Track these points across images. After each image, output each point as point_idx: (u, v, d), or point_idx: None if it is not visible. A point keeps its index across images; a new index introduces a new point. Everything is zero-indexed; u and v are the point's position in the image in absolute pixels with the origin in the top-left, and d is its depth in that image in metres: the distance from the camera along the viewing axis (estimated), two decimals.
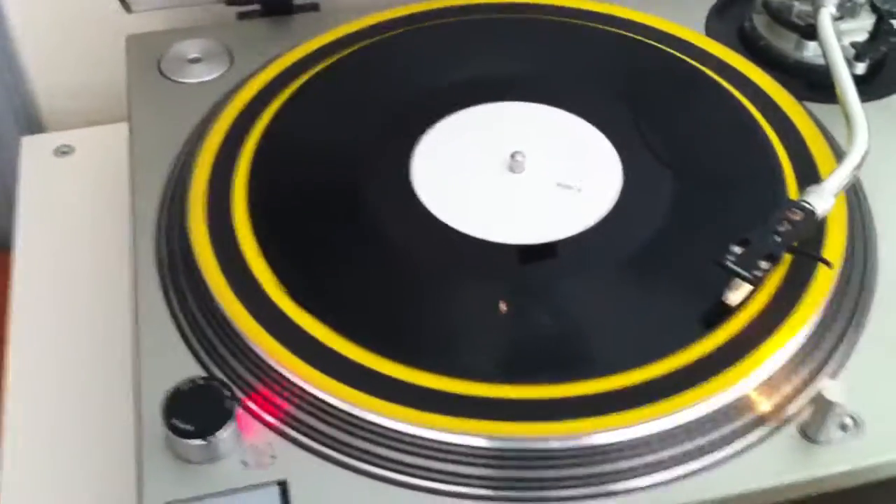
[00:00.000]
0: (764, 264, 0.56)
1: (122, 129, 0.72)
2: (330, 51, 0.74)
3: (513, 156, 0.65)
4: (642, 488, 0.52)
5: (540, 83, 0.71)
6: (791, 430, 0.54)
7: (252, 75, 0.73)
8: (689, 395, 0.54)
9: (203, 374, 0.56)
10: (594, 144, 0.68)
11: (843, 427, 0.54)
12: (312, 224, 0.63)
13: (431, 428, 0.53)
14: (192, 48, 0.77)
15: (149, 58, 0.76)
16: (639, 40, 0.74)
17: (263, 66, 0.73)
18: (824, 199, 0.59)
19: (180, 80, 0.74)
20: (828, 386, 0.52)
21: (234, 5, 0.80)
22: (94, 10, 0.85)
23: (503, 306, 0.59)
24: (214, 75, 0.75)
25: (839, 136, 0.67)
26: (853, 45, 0.72)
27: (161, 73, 0.75)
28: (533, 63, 0.73)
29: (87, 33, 0.87)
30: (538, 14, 0.77)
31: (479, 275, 0.61)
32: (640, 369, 0.55)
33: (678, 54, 0.74)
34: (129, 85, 0.75)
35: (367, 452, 0.53)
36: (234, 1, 0.79)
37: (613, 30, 0.75)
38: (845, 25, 0.73)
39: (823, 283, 0.58)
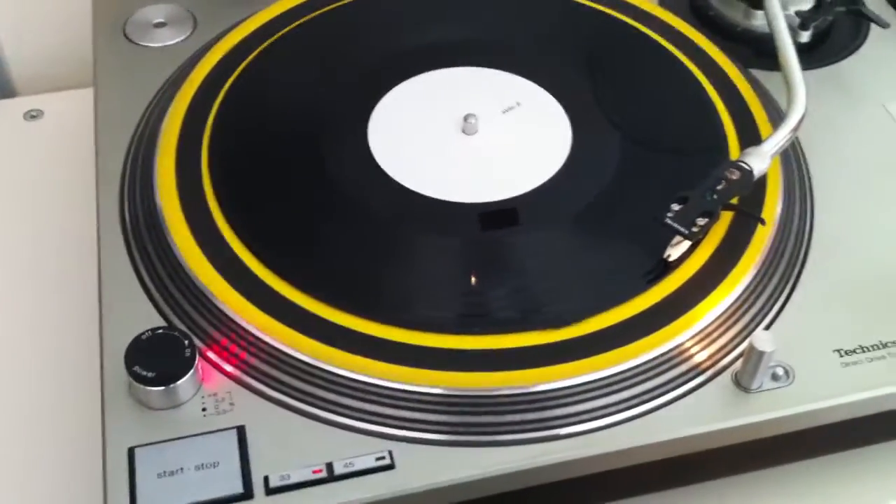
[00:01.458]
0: (701, 221, 0.59)
1: (91, 93, 0.74)
2: (292, 17, 0.75)
3: (466, 118, 0.67)
4: (587, 432, 0.55)
5: (493, 49, 0.73)
6: (726, 379, 0.57)
7: (218, 38, 0.74)
8: (632, 346, 0.57)
9: (165, 325, 0.58)
10: (546, 108, 0.70)
11: (775, 377, 0.57)
12: (275, 183, 0.65)
13: (385, 377, 0.55)
14: (156, 13, 0.78)
15: (114, 22, 0.78)
16: (591, 7, 0.77)
17: (231, 29, 0.75)
18: (761, 160, 0.62)
19: (145, 43, 0.76)
20: (759, 336, 0.54)
21: None
22: None
23: (473, 278, 0.61)
24: (178, 39, 0.76)
25: (784, 102, 0.69)
26: (798, 13, 0.74)
27: (126, 36, 0.77)
28: (486, 29, 0.75)
29: None
30: None
31: (431, 230, 0.63)
32: (586, 322, 0.58)
33: (630, 21, 0.76)
34: (94, 48, 0.76)
35: (323, 400, 0.55)
36: None
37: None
38: None
39: (760, 241, 0.61)
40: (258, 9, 0.77)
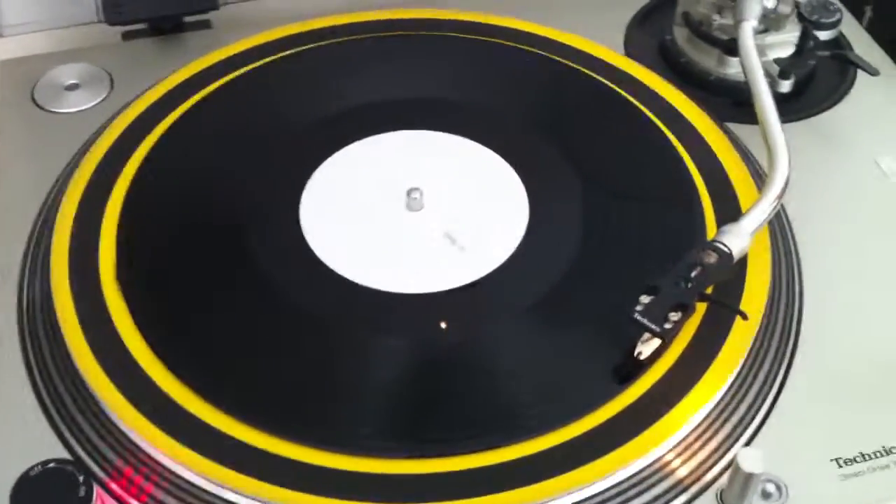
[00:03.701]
0: (674, 315, 0.51)
1: None
2: (214, 74, 0.68)
3: (409, 193, 0.60)
4: None
5: (442, 109, 0.66)
6: (709, 498, 0.50)
7: (129, 103, 0.67)
8: (600, 462, 0.50)
9: (62, 449, 0.51)
10: (500, 177, 0.62)
11: (766, 494, 0.50)
12: (190, 277, 0.57)
13: None
14: (68, 73, 0.71)
15: (22, 85, 0.70)
16: (550, 59, 0.69)
17: (141, 94, 0.67)
18: (741, 238, 0.54)
19: (54, 109, 0.69)
20: (745, 455, 0.47)
21: (117, 25, 0.73)
22: None
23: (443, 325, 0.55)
24: (92, 103, 0.69)
25: (765, 161, 0.62)
26: (777, 61, 0.67)
27: (34, 101, 0.69)
28: (436, 86, 0.68)
29: None
30: (445, 30, 0.71)
31: (370, 329, 0.55)
32: (545, 435, 0.50)
33: (593, 75, 0.68)
34: None
35: None
36: (117, 21, 0.73)
37: (525, 48, 0.70)
38: (770, 38, 0.69)
39: (742, 335, 0.53)
40: (179, 63, 0.69)
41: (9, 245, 0.60)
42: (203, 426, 0.50)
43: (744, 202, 0.60)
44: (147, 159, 0.62)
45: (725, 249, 0.53)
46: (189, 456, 0.49)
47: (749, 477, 0.47)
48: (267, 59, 0.69)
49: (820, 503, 0.50)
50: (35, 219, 0.61)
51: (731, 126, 0.67)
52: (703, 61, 0.70)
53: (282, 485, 0.49)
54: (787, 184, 0.57)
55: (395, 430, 0.51)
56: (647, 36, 0.74)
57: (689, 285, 0.52)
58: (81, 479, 0.47)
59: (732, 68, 0.69)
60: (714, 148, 0.64)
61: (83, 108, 0.69)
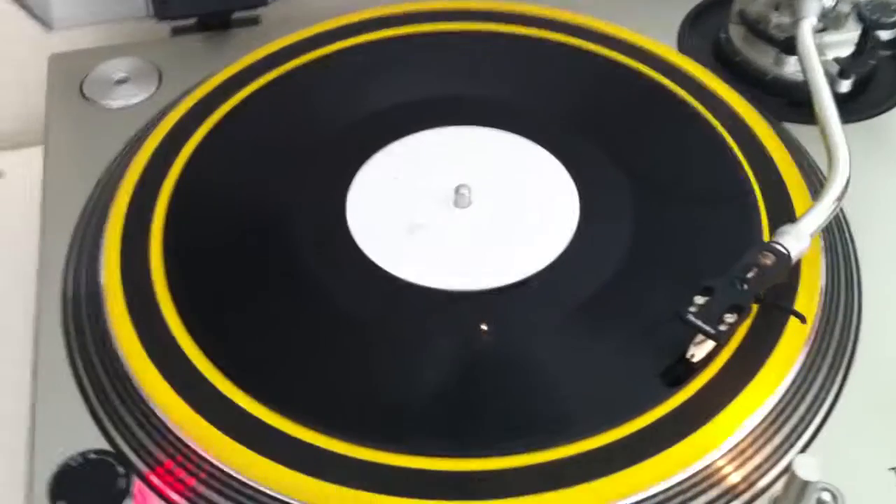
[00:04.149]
0: (729, 317, 0.50)
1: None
2: (263, 69, 0.67)
3: (457, 189, 0.59)
4: None
5: (491, 105, 0.65)
6: None
7: (179, 99, 0.66)
8: (648, 465, 0.48)
9: (103, 440, 0.50)
10: (550, 174, 0.61)
11: (821, 503, 0.48)
12: (238, 274, 0.57)
13: None
14: (118, 68, 0.70)
15: (71, 79, 0.70)
16: (603, 56, 0.68)
17: (191, 90, 0.67)
18: (799, 240, 0.53)
19: (103, 103, 0.68)
20: (801, 462, 0.45)
21: (166, 20, 0.73)
22: (21, 29, 0.78)
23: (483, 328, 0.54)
24: (141, 98, 0.68)
25: (824, 161, 0.60)
26: (837, 60, 0.66)
27: (83, 95, 0.69)
28: (485, 82, 0.66)
29: (13, 53, 0.80)
30: (496, 23, 0.70)
31: (417, 326, 0.54)
32: (594, 437, 0.49)
33: (647, 71, 0.67)
34: (47, 109, 0.69)
35: None
36: (166, 16, 0.73)
37: (576, 42, 0.69)
38: (829, 38, 0.67)
39: (797, 339, 0.52)
40: (228, 58, 0.69)
41: (54, 236, 0.60)
42: (247, 419, 0.50)
43: (797, 205, 0.58)
44: (193, 158, 0.62)
45: (783, 251, 0.52)
46: (232, 449, 0.49)
47: (805, 485, 0.45)
48: (313, 55, 0.68)
49: None
50: (81, 212, 0.61)
51: (787, 126, 0.65)
52: (758, 60, 0.69)
53: (328, 481, 0.48)
54: (847, 185, 0.55)
55: (440, 428, 0.50)
56: (701, 34, 0.72)
57: (745, 287, 0.50)
58: (122, 471, 0.47)
59: (789, 67, 0.68)
60: (768, 148, 0.62)
61: (132, 102, 0.68)
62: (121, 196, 0.60)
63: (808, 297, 0.54)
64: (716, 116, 0.64)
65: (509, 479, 0.48)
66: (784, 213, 0.57)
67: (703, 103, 0.65)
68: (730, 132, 0.63)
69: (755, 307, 0.51)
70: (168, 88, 0.69)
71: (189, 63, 0.70)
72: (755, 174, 0.60)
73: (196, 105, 0.65)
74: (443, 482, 0.48)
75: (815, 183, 0.61)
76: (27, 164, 0.78)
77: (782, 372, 0.51)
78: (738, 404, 0.50)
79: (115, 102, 0.68)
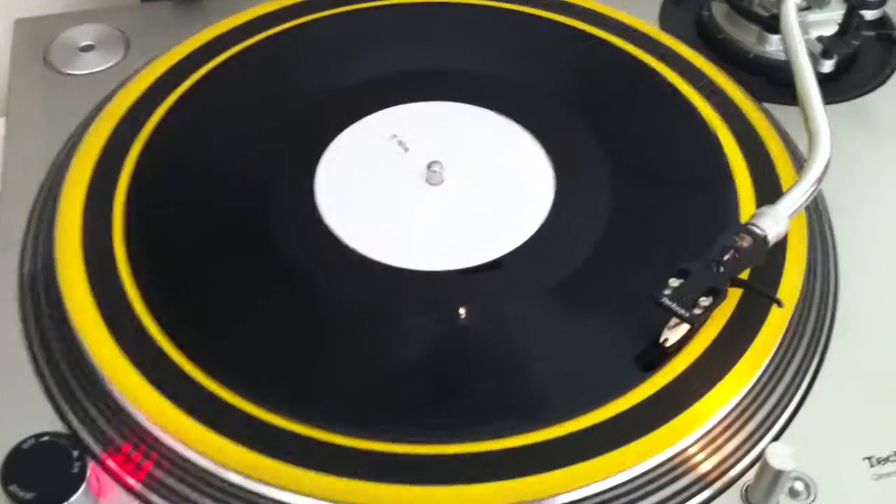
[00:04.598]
0: (705, 300, 0.49)
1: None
2: (231, 40, 0.65)
3: (429, 166, 0.57)
4: None
5: (467, 80, 0.63)
6: (734, 496, 0.47)
7: (144, 67, 0.64)
8: (622, 452, 0.47)
9: (59, 423, 0.49)
10: (525, 152, 0.60)
11: (794, 493, 0.47)
12: (202, 252, 0.55)
13: (340, 501, 0.45)
14: (83, 34, 0.68)
15: (36, 45, 0.68)
16: (582, 30, 0.66)
17: (156, 57, 0.65)
18: (777, 222, 0.51)
19: (67, 70, 0.66)
20: (775, 451, 0.44)
21: None
22: None
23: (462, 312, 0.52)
24: (107, 65, 0.67)
25: (804, 140, 0.59)
26: (820, 39, 0.64)
27: (47, 62, 0.67)
28: (461, 57, 0.65)
29: None
30: None
31: (384, 307, 0.53)
32: (566, 422, 0.48)
33: (627, 46, 0.65)
34: (11, 76, 0.67)
35: None
36: None
37: (554, 17, 0.67)
38: (812, 17, 0.66)
39: (775, 324, 0.51)
40: (199, 27, 0.67)
41: (14, 209, 0.58)
42: (209, 401, 0.48)
43: (786, 184, 0.57)
44: (160, 128, 0.60)
45: (760, 233, 0.50)
46: (192, 431, 0.47)
47: (778, 474, 0.44)
48: (283, 26, 0.67)
49: (851, 503, 0.47)
50: (42, 182, 0.59)
51: (768, 106, 0.64)
52: (741, 38, 0.67)
53: (290, 463, 0.46)
54: (827, 166, 0.54)
55: (409, 411, 0.49)
56: (683, 12, 0.71)
57: (722, 269, 0.49)
58: (76, 454, 0.46)
59: (772, 46, 0.66)
60: (756, 127, 0.60)
61: (97, 69, 0.66)
62: (79, 168, 0.58)
63: (793, 282, 0.52)
64: (700, 93, 0.62)
65: (479, 463, 0.46)
66: (773, 192, 0.56)
67: (685, 79, 0.63)
68: (716, 109, 0.62)
69: (734, 292, 0.50)
70: (135, 57, 0.67)
71: (157, 31, 0.69)
72: (743, 152, 0.59)
73: (163, 75, 0.63)
74: (411, 466, 0.47)
75: (796, 164, 0.59)
76: None
77: (761, 358, 0.49)
78: (716, 391, 0.49)
79: (80, 70, 0.66)
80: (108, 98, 0.63)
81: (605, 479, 0.46)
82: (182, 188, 0.58)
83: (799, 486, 0.47)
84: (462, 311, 0.53)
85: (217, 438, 0.47)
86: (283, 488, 0.46)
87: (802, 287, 0.52)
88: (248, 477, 0.46)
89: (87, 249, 0.54)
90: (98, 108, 0.62)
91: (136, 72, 0.64)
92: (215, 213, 0.56)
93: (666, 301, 0.48)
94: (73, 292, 0.52)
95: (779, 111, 0.64)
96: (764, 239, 0.51)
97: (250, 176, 0.58)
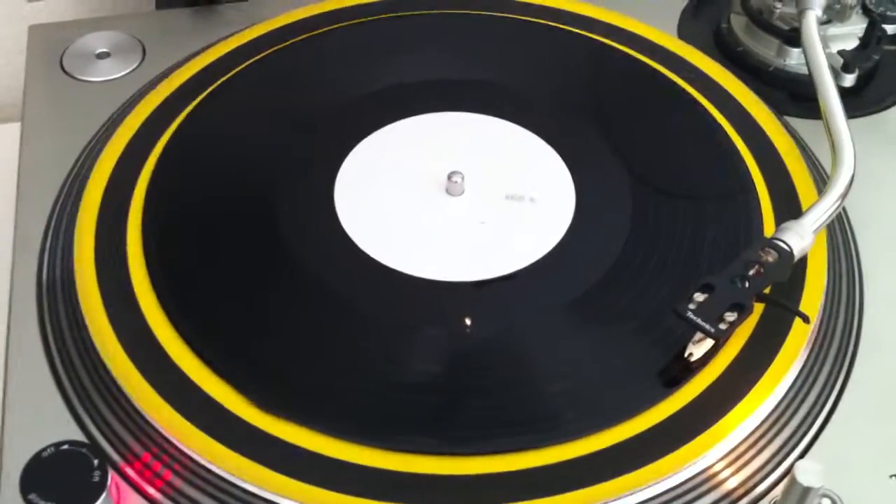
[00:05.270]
0: (730, 315, 0.48)
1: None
2: (251, 50, 0.65)
3: (450, 176, 0.57)
4: None
5: (488, 91, 0.63)
6: None
7: (163, 75, 0.64)
8: (645, 470, 0.47)
9: (78, 431, 0.48)
10: (546, 164, 0.59)
11: None
12: (220, 261, 0.54)
13: None
14: (99, 41, 0.68)
15: (51, 52, 0.68)
16: (601, 43, 0.66)
17: (177, 66, 0.64)
18: (802, 237, 0.51)
19: (83, 77, 0.66)
20: (803, 468, 0.44)
21: None
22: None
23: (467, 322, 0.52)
24: (123, 72, 0.66)
25: (825, 154, 0.59)
26: (841, 53, 0.64)
27: (63, 69, 0.66)
28: (482, 68, 0.64)
29: None
30: (494, 9, 0.68)
31: (400, 316, 0.52)
32: (588, 438, 0.47)
33: (646, 59, 0.65)
34: (26, 83, 0.66)
35: None
36: None
37: (574, 30, 0.67)
38: (833, 30, 0.65)
39: (799, 339, 0.50)
40: (217, 38, 0.67)
41: (31, 216, 0.58)
42: (226, 413, 0.48)
43: (804, 199, 0.57)
44: (178, 136, 0.60)
45: (786, 248, 0.50)
46: (210, 443, 0.47)
47: (806, 491, 0.44)
48: (301, 37, 0.66)
49: None
50: (59, 191, 0.59)
51: (788, 120, 0.64)
52: (761, 51, 0.67)
53: (307, 481, 0.46)
54: (852, 181, 0.54)
55: (422, 425, 0.48)
56: (702, 23, 0.71)
57: (747, 284, 0.49)
58: (96, 462, 0.45)
59: (792, 59, 0.66)
60: (774, 141, 0.60)
61: (113, 77, 0.66)
62: (97, 177, 0.58)
63: (813, 297, 0.52)
64: (718, 108, 0.62)
65: (497, 482, 0.46)
66: (789, 208, 0.56)
67: (704, 94, 0.63)
68: (734, 124, 0.61)
69: (758, 307, 0.50)
70: (151, 64, 0.67)
71: (173, 38, 0.68)
72: (759, 166, 0.59)
73: (183, 85, 0.63)
74: (422, 483, 0.46)
75: (817, 178, 0.59)
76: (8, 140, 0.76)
77: (785, 374, 0.49)
78: (740, 407, 0.48)
79: (96, 77, 0.66)
80: (127, 105, 0.62)
81: (628, 494, 0.46)
82: (200, 197, 0.57)
83: (825, 502, 0.47)
84: (482, 322, 0.52)
85: (232, 453, 0.46)
86: (300, 501, 0.45)
87: (825, 301, 0.52)
88: (265, 489, 0.46)
89: (104, 259, 0.54)
90: (117, 115, 0.62)
91: (156, 81, 0.63)
92: (234, 221, 0.56)
93: (691, 315, 0.48)
94: (91, 302, 0.51)
95: (798, 124, 0.63)
96: (789, 254, 0.50)
97: (270, 181, 0.57)
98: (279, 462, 0.46)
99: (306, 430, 0.47)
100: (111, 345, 0.50)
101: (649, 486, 0.46)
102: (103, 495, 0.44)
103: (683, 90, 0.63)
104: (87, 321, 0.51)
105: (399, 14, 0.67)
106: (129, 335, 0.50)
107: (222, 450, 0.47)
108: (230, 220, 0.56)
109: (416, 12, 0.67)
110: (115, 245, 0.54)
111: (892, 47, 0.66)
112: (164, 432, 0.47)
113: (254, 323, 0.52)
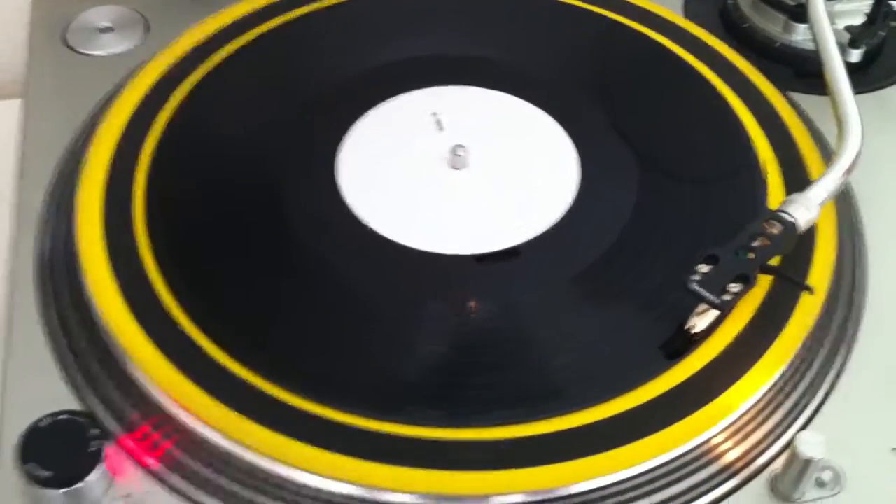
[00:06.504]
0: (734, 287, 0.48)
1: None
2: (253, 22, 0.65)
3: (453, 150, 0.57)
4: None
5: (493, 65, 0.62)
6: (761, 485, 0.46)
7: (164, 49, 0.64)
8: (647, 441, 0.46)
9: (76, 402, 0.48)
10: (551, 138, 0.59)
11: (821, 483, 0.46)
12: (223, 232, 0.54)
13: (359, 483, 0.45)
14: (102, 15, 0.68)
15: (54, 26, 0.67)
16: (606, 17, 0.65)
17: (176, 40, 0.64)
18: (808, 210, 0.51)
19: (86, 51, 0.66)
20: (805, 439, 0.44)
21: None
22: None
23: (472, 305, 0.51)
24: (126, 47, 0.66)
25: (829, 131, 0.59)
26: (848, 29, 0.63)
27: (66, 43, 0.66)
28: (489, 43, 0.64)
29: None
30: None
31: (404, 290, 0.52)
32: (589, 410, 0.47)
33: (651, 34, 0.65)
34: (29, 57, 0.66)
35: None
36: None
37: (578, 3, 0.66)
38: (840, 6, 0.65)
39: (804, 314, 0.50)
40: (218, 9, 0.66)
41: (32, 189, 0.58)
42: (230, 381, 0.47)
43: (813, 173, 0.56)
44: (180, 110, 0.59)
45: (791, 220, 0.50)
46: (212, 411, 0.46)
47: (808, 463, 0.44)
48: (306, 9, 0.66)
49: (878, 494, 0.46)
50: (59, 162, 0.59)
51: (793, 96, 0.63)
52: (767, 27, 0.67)
53: (311, 444, 0.45)
54: (858, 155, 0.53)
55: (428, 396, 0.48)
56: (706, 2, 0.70)
57: (751, 256, 0.48)
58: (93, 432, 0.45)
59: (798, 35, 0.66)
60: (782, 116, 0.60)
61: (116, 51, 0.66)
62: (99, 148, 0.57)
63: (822, 270, 0.52)
64: (726, 82, 0.62)
65: (500, 450, 0.46)
66: (799, 182, 0.55)
67: (710, 68, 0.62)
68: (742, 98, 0.61)
69: (765, 279, 0.49)
70: (154, 39, 0.66)
71: (177, 14, 0.68)
72: (769, 140, 0.58)
73: (185, 56, 0.63)
74: (433, 450, 0.46)
75: (823, 154, 0.59)
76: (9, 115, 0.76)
77: (790, 347, 0.49)
78: (747, 380, 0.48)
79: (99, 51, 0.66)
80: (129, 79, 0.62)
81: (631, 467, 0.46)
82: (204, 166, 0.57)
83: (826, 475, 0.46)
84: (488, 297, 0.52)
85: (236, 418, 0.46)
86: (301, 469, 0.45)
87: (832, 275, 0.52)
88: (266, 457, 0.45)
89: (108, 228, 0.53)
90: (119, 89, 0.62)
91: (157, 53, 0.63)
92: (237, 190, 0.56)
93: (695, 286, 0.48)
94: (94, 270, 0.51)
95: (804, 100, 0.63)
96: (794, 225, 0.50)
97: (272, 159, 0.57)
98: (283, 426, 0.46)
99: (306, 399, 0.47)
100: (113, 314, 0.50)
101: (652, 458, 0.46)
102: (99, 465, 0.44)
103: (691, 66, 0.63)
104: (89, 290, 0.51)
105: None
106: (133, 304, 0.50)
107: (224, 417, 0.46)
108: (232, 195, 0.56)
109: None
110: (119, 216, 0.54)
111: None
112: (163, 402, 0.47)
113: (259, 296, 0.52)
